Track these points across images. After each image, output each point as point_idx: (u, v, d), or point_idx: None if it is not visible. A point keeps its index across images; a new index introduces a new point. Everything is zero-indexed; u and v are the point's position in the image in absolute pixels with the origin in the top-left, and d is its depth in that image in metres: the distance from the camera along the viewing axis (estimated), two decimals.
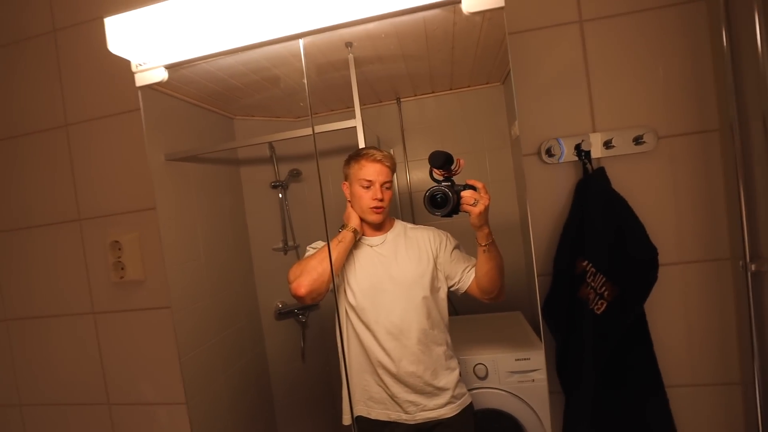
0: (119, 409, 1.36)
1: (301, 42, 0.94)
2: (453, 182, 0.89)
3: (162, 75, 1.01)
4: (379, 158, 0.99)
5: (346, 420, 1.04)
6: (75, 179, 1.35)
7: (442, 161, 0.87)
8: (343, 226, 1.02)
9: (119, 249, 1.30)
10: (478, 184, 0.88)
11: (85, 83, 1.33)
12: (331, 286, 1.00)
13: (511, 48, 0.92)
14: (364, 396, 1.02)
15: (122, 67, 1.03)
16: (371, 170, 0.99)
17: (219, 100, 1.31)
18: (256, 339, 1.45)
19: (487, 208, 0.87)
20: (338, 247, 0.98)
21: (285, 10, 0.90)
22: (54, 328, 1.40)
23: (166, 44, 0.97)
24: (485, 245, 0.91)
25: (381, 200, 0.99)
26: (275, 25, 0.93)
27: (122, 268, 1.30)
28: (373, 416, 1.02)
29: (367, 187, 0.99)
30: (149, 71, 1.01)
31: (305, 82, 0.96)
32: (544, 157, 1.06)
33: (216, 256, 1.36)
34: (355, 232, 1.00)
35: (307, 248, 1.06)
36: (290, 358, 1.44)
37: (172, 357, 1.23)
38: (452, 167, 0.89)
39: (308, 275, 0.96)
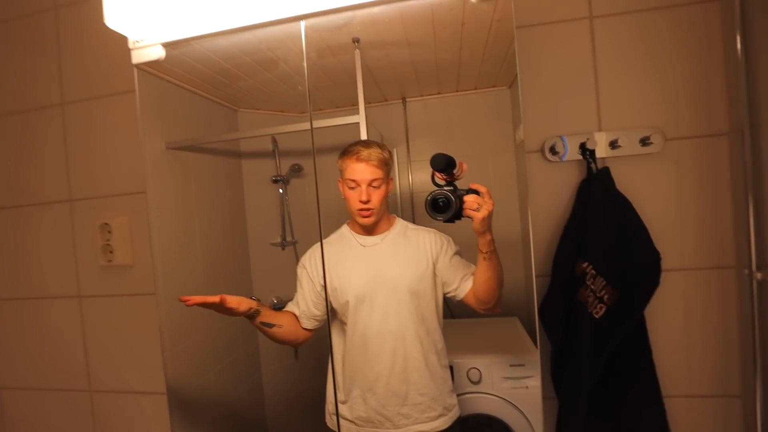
0: (100, 396, 1.33)
1: (302, 24, 0.91)
2: (455, 186, 0.85)
3: (159, 53, 0.98)
4: (364, 157, 0.92)
5: (329, 422, 1.01)
6: (68, 159, 1.33)
7: (443, 164, 0.82)
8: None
9: (109, 232, 1.27)
10: (482, 189, 0.82)
11: (84, 62, 1.31)
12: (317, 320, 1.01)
13: (518, 42, 0.89)
14: (352, 414, 0.97)
15: (121, 45, 1.00)
16: (355, 170, 0.93)
17: (221, 89, 1.28)
18: (249, 334, 1.41)
19: (490, 214, 0.82)
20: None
21: None
22: (38, 310, 1.37)
23: (164, 20, 0.93)
24: (486, 252, 0.86)
25: (366, 202, 0.93)
26: (277, 6, 0.90)
27: (111, 252, 1.27)
28: None
29: (353, 188, 0.94)
30: (147, 48, 0.98)
31: (305, 65, 0.93)
32: (548, 154, 1.04)
33: (212, 248, 1.32)
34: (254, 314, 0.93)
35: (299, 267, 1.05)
36: (283, 355, 1.41)
37: (156, 345, 1.19)
38: (454, 171, 0.84)
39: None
